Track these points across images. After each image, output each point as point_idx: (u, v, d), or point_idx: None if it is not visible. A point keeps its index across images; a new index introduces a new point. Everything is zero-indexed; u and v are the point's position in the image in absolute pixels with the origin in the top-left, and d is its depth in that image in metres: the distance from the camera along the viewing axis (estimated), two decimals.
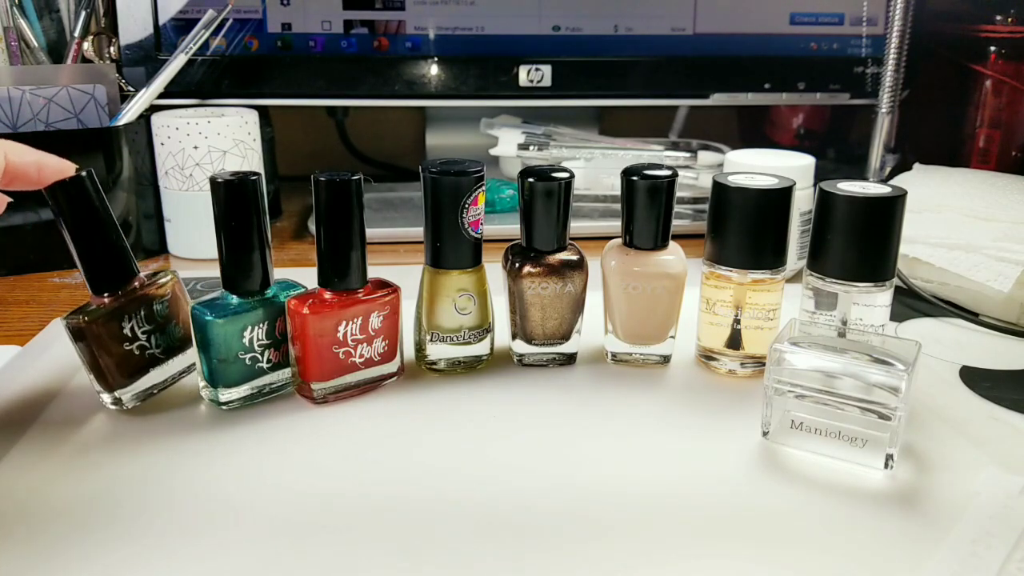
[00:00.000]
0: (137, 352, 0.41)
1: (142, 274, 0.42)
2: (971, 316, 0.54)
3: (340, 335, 0.41)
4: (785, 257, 0.45)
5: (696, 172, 0.77)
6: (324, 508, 0.34)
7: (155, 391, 0.43)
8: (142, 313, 0.41)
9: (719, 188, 0.44)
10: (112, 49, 0.72)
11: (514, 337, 0.47)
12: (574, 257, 0.45)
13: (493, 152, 0.80)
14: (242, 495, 0.35)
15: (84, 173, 0.39)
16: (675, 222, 0.46)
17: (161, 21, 0.72)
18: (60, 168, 0.37)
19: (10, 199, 0.36)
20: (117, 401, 0.41)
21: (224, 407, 0.42)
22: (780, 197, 0.43)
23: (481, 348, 0.47)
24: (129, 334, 0.41)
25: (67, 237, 0.40)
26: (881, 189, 0.43)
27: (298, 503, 0.35)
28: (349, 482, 0.36)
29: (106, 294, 0.41)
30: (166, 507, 0.34)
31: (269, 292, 0.42)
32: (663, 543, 0.32)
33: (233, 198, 0.40)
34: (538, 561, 0.31)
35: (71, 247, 0.40)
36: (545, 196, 0.44)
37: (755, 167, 0.55)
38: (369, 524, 0.33)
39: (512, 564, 0.31)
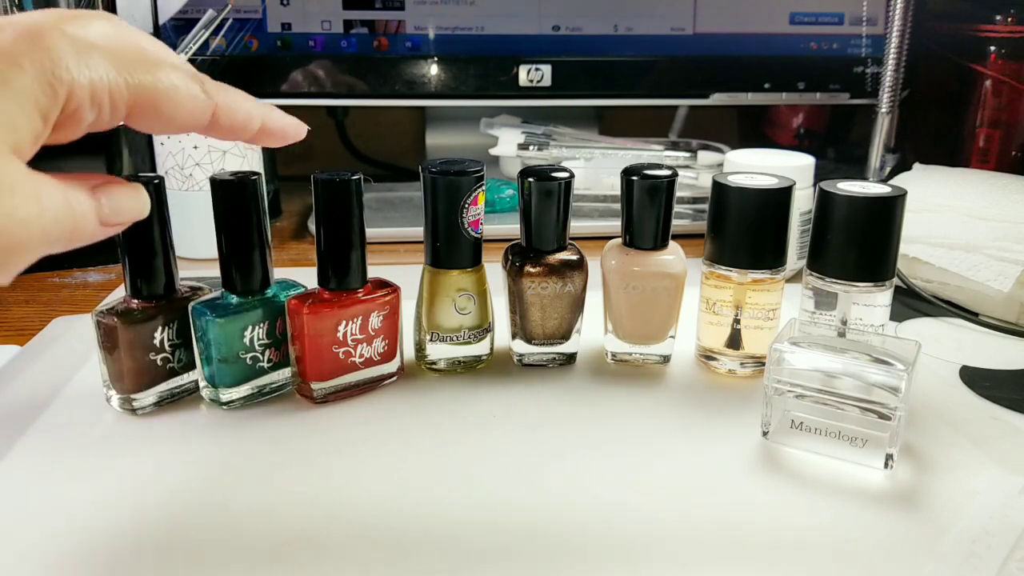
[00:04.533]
0: (160, 363, 0.41)
1: (181, 286, 0.43)
2: (971, 316, 0.54)
3: (340, 335, 0.41)
4: (785, 257, 0.45)
5: (696, 172, 0.77)
6: (325, 509, 0.34)
7: (167, 400, 0.43)
8: (175, 326, 0.41)
9: (719, 188, 0.44)
10: None
11: (514, 337, 0.47)
12: (574, 257, 0.45)
13: (493, 152, 0.80)
14: (243, 496, 0.35)
15: (156, 181, 0.40)
16: (675, 222, 0.46)
17: (161, 21, 0.72)
18: (296, 128, 0.36)
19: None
20: (126, 402, 0.41)
21: (225, 407, 0.42)
22: (780, 197, 0.43)
23: (481, 348, 0.47)
24: (157, 344, 0.41)
25: (119, 234, 0.39)
26: (881, 189, 0.43)
27: (298, 505, 0.35)
28: (349, 483, 0.36)
29: (139, 300, 0.41)
30: (167, 508, 0.34)
31: (269, 292, 0.42)
32: (662, 543, 0.32)
33: (233, 198, 0.40)
34: (538, 562, 0.31)
35: (121, 246, 0.40)
36: (545, 196, 0.44)
37: (755, 167, 0.55)
38: (369, 525, 0.33)
39: (514, 565, 0.31)
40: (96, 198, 0.27)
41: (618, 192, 0.46)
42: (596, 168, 0.77)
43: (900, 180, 0.61)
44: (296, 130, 0.35)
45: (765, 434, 0.40)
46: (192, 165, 0.64)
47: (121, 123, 0.27)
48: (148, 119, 0.27)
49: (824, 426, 0.38)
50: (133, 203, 0.29)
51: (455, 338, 0.45)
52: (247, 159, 0.65)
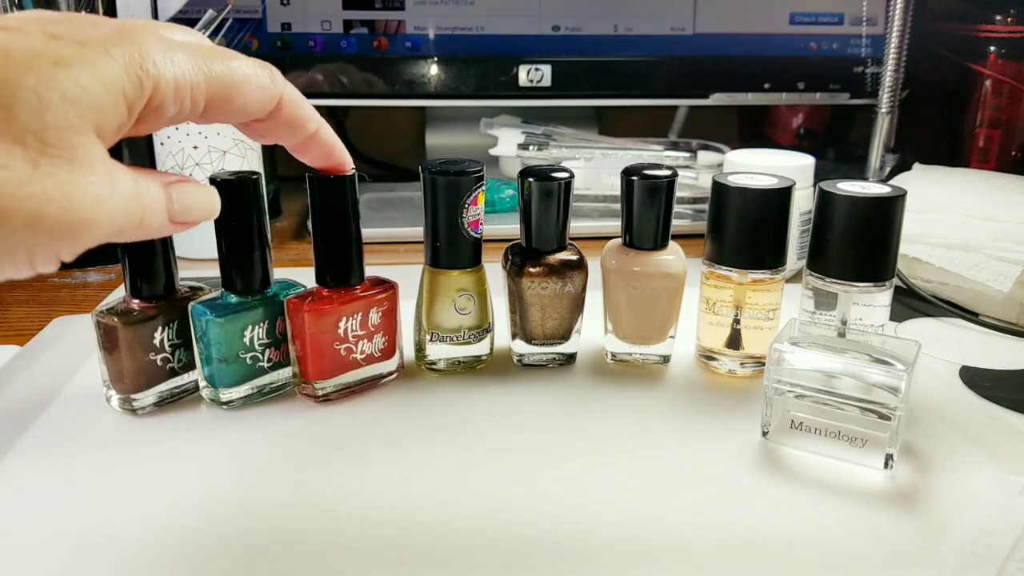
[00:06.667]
0: (160, 363, 0.41)
1: (181, 286, 0.43)
2: (971, 316, 0.54)
3: (341, 331, 0.42)
4: (785, 257, 0.45)
5: (696, 172, 0.77)
6: (325, 509, 0.34)
7: (167, 400, 0.43)
8: (175, 326, 0.41)
9: (719, 188, 0.44)
10: None
11: (514, 337, 0.47)
12: (574, 257, 0.45)
13: (493, 152, 0.80)
14: (243, 496, 0.35)
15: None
16: (675, 222, 0.46)
17: (160, 21, 0.72)
18: (342, 155, 0.36)
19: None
20: (126, 402, 0.41)
21: (225, 407, 0.42)
22: (780, 197, 0.43)
23: (481, 348, 0.47)
24: (158, 344, 0.41)
25: None
26: (881, 189, 0.43)
27: (298, 505, 0.35)
28: (349, 483, 0.36)
29: (139, 300, 0.41)
30: (166, 508, 0.34)
31: (269, 291, 0.42)
32: (662, 543, 0.32)
33: (233, 198, 0.40)
34: (538, 562, 0.31)
35: (120, 246, 0.40)
36: (545, 196, 0.44)
37: (755, 167, 0.55)
38: (369, 526, 0.33)
39: (514, 565, 0.31)
40: (167, 193, 0.28)
41: (618, 192, 0.46)
42: (596, 168, 0.77)
43: (900, 180, 0.61)
44: (342, 156, 0.36)
45: (765, 434, 0.40)
46: (192, 165, 0.63)
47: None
48: (222, 109, 0.28)
49: (824, 426, 0.38)
50: (203, 203, 0.30)
51: (455, 338, 0.45)
52: (247, 159, 0.65)
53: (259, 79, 0.29)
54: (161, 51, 0.25)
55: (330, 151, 0.35)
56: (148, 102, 0.25)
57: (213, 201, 0.30)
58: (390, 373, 0.45)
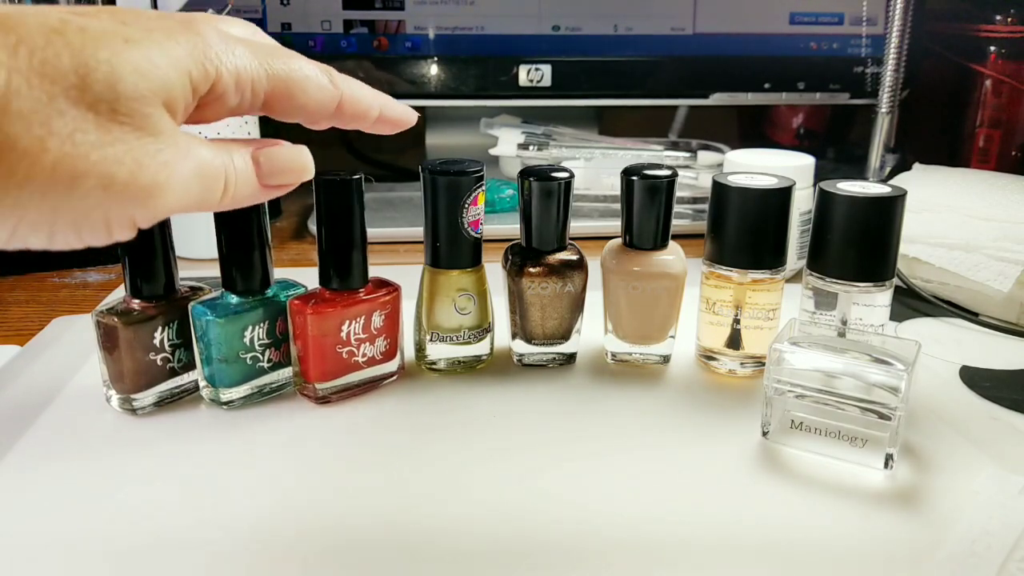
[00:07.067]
0: (160, 363, 0.41)
1: (181, 286, 0.43)
2: (971, 316, 0.54)
3: (343, 335, 0.42)
4: (785, 257, 0.45)
5: (696, 172, 0.77)
6: (324, 509, 0.34)
7: (167, 400, 0.42)
8: (175, 326, 0.41)
9: (719, 188, 0.44)
10: None
11: (514, 337, 0.47)
12: (574, 257, 0.45)
13: (493, 152, 0.80)
14: (242, 496, 0.35)
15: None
16: (675, 222, 0.46)
17: None
18: (408, 115, 0.36)
19: None
20: (126, 402, 0.41)
21: (225, 407, 0.42)
22: (780, 197, 0.43)
23: (481, 348, 0.47)
24: (157, 344, 0.41)
25: None
26: (881, 189, 0.43)
27: (297, 505, 0.35)
28: (348, 483, 0.36)
29: (139, 300, 0.41)
30: (166, 509, 0.34)
31: (269, 292, 0.42)
32: (662, 543, 0.32)
33: None
34: (537, 562, 0.31)
35: (120, 245, 0.40)
36: (545, 196, 0.44)
37: (755, 167, 0.55)
38: (368, 526, 0.33)
39: (514, 566, 0.31)
40: (256, 159, 0.28)
41: (618, 192, 0.46)
42: (596, 168, 0.77)
43: (900, 180, 0.61)
44: (409, 116, 0.36)
45: (765, 434, 0.40)
46: None
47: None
48: (282, 106, 0.29)
49: (824, 426, 0.38)
50: (295, 163, 0.30)
51: (455, 338, 0.45)
52: None
53: (319, 80, 0.29)
54: (222, 44, 0.26)
55: (397, 123, 0.35)
56: (211, 89, 0.26)
57: (305, 160, 0.31)
58: (391, 374, 0.45)
